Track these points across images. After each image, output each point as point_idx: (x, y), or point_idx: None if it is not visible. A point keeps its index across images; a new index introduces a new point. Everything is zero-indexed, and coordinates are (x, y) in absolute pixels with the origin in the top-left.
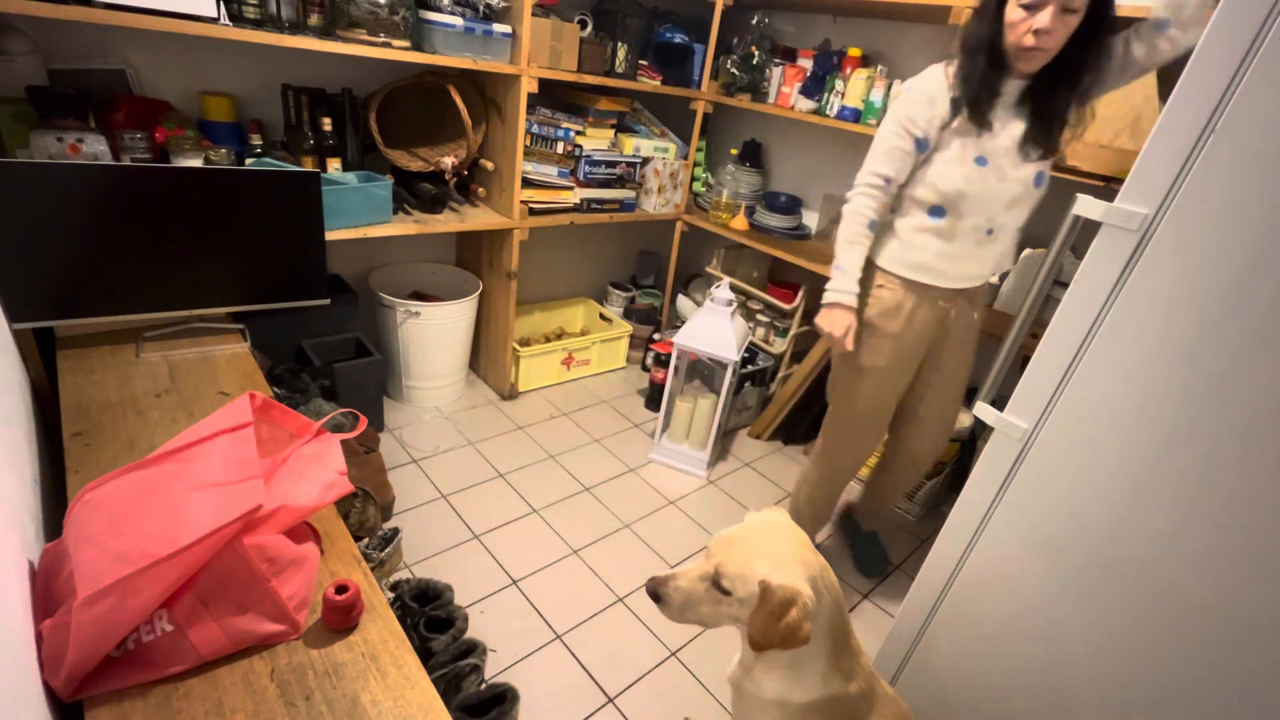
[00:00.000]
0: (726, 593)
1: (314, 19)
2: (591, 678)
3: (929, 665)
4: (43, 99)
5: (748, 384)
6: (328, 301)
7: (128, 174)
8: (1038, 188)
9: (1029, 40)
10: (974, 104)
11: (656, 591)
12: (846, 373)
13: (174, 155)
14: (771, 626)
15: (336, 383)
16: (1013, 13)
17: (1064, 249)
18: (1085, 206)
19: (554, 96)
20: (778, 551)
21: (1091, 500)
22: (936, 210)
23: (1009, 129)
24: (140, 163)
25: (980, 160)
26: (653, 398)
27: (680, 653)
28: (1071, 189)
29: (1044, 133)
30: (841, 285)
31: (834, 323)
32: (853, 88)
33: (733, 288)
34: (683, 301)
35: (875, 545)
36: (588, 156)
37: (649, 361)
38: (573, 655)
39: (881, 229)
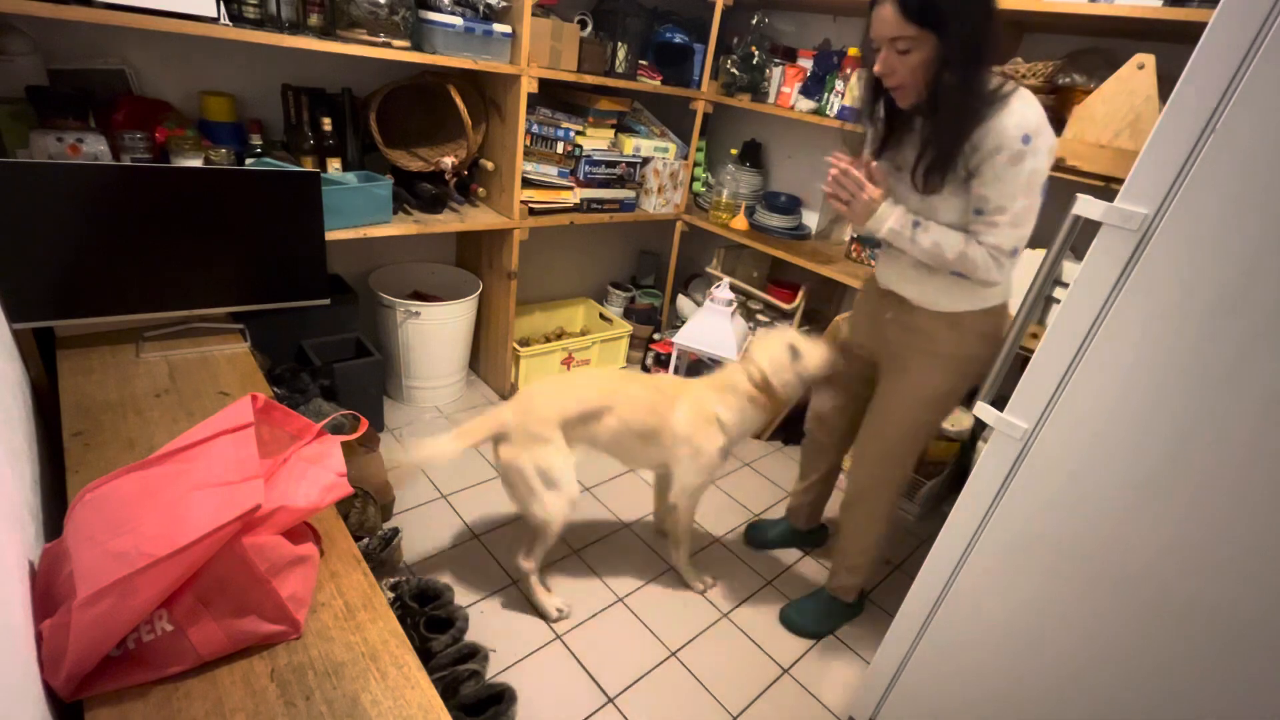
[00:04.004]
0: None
1: (314, 19)
2: (591, 678)
3: (928, 666)
4: (43, 99)
5: None
6: (328, 301)
7: (128, 174)
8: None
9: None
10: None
11: None
12: None
13: (174, 155)
14: None
15: (336, 383)
16: None
17: (1064, 249)
18: (1085, 206)
19: (554, 96)
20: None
21: (1092, 500)
22: None
23: (904, 154)
24: (140, 163)
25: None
26: None
27: (680, 653)
28: (1072, 189)
29: (926, 166)
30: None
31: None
32: (853, 88)
33: (733, 288)
34: (683, 301)
35: (814, 607)
36: (588, 156)
37: (649, 361)
38: (573, 655)
39: None
